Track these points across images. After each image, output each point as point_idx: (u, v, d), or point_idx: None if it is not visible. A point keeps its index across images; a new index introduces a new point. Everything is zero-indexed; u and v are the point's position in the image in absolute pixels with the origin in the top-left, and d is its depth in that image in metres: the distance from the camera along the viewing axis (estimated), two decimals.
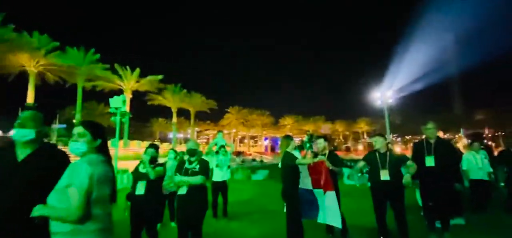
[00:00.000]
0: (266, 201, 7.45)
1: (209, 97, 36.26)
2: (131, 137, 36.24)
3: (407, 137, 61.95)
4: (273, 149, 62.37)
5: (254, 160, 29.07)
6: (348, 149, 66.86)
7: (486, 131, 58.54)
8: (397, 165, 3.79)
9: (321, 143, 4.44)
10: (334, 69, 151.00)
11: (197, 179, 2.89)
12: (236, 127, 50.87)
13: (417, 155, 4.00)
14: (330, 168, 3.85)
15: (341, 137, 70.99)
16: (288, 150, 3.81)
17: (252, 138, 68.21)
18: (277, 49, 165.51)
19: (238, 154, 38.49)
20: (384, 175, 3.72)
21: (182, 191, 2.93)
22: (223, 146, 5.33)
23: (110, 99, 9.17)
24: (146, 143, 38.61)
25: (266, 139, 65.08)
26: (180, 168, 3.06)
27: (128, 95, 25.89)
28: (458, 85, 72.48)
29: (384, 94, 34.83)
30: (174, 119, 33.46)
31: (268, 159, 36.84)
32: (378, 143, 3.96)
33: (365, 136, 69.85)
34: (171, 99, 31.88)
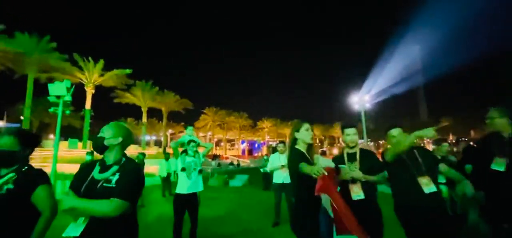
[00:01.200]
0: (248, 215, 5.97)
1: (184, 96, 33.90)
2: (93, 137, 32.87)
3: (380, 142, 63.99)
4: (250, 152, 60.91)
5: (231, 163, 27.42)
6: (323, 153, 67.76)
7: (450, 137, 62.30)
8: (434, 168, 2.41)
9: (350, 134, 2.60)
10: (313, 74, 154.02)
11: (105, 207, 1.32)
12: (212, 129, 48.69)
13: (479, 156, 2.73)
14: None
15: (317, 141, 71.71)
16: (297, 139, 2.28)
17: (229, 141, 66.31)
18: (257, 52, 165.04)
19: (214, 157, 36.55)
20: (428, 186, 2.25)
21: (74, 231, 1.31)
22: (193, 141, 3.73)
23: (49, 84, 7.14)
24: None
25: (243, 142, 63.57)
26: (83, 178, 1.47)
27: (90, 91, 23.02)
28: (425, 93, 76.80)
29: (361, 99, 35.34)
30: (144, 119, 30.67)
31: (245, 162, 35.37)
32: (401, 136, 2.43)
33: (340, 141, 71.35)
34: (141, 97, 29.15)
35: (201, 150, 3.92)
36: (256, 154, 60.08)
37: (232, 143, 66.82)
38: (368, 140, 37.44)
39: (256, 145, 67.27)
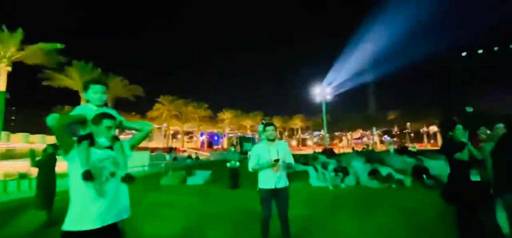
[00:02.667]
0: (216, 232, 4.19)
1: (133, 82, 29.72)
2: (15, 128, 26.97)
3: (336, 133, 67.08)
4: (210, 145, 58.22)
5: (189, 157, 24.93)
6: None
7: (395, 128, 68.44)
8: None
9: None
10: (274, 67, 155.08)
11: None
12: (168, 120, 44.69)
13: None
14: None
15: (277, 133, 72.24)
16: None
17: (187, 133, 62.54)
18: (217, 41, 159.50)
19: (170, 150, 33.28)
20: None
21: None
22: (106, 116, 1.74)
23: None
24: (39, 137, 29.48)
25: (202, 134, 60.49)
26: None
27: (4, 68, 18.14)
28: (374, 88, 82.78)
29: (323, 91, 35.63)
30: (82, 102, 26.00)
31: (205, 155, 32.98)
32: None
33: (299, 132, 73.13)
34: (78, 80, 24.51)
35: (126, 136, 1.99)
36: (216, 147, 57.67)
37: (190, 135, 63.14)
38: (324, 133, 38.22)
39: (216, 137, 64.76)
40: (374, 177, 7.95)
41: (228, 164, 8.58)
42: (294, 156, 3.84)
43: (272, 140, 3.39)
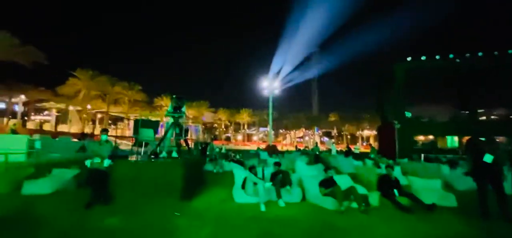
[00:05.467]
0: None
1: (26, 43, 22.05)
2: None
3: (281, 130, 67.07)
4: None
5: None
6: (228, 139, 65.76)
7: (334, 130, 72.00)
8: None
9: None
10: (220, 56, 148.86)
11: None
12: (88, 101, 36.61)
13: None
14: None
15: (223, 126, 68.83)
16: None
17: (117, 119, 53.87)
18: (162, 22, 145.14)
19: (83, 136, 26.63)
20: None
21: None
22: None
23: None
24: None
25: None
26: None
27: None
28: (318, 89, 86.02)
29: (271, 84, 33.49)
30: None
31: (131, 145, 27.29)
32: None
33: (245, 127, 70.86)
34: None
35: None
36: (157, 136, 50.68)
37: (120, 121, 54.51)
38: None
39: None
40: (328, 190, 5.21)
41: (87, 162, 4.79)
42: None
43: None
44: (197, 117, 62.03)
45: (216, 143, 28.97)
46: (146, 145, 6.77)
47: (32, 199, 5.04)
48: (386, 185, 5.51)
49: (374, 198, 5.24)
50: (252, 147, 39.13)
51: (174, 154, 6.18)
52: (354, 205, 4.99)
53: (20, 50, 21.94)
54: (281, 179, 5.46)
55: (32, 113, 45.93)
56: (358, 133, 66.52)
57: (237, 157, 13.55)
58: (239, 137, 69.93)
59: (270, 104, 32.85)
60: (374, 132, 63.70)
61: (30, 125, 33.00)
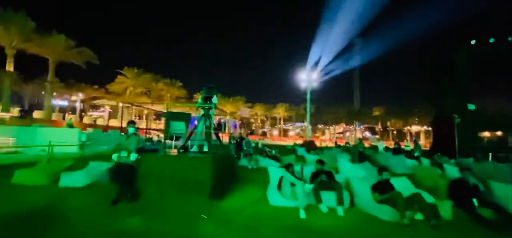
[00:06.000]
0: None
1: (81, 45, 24.22)
2: None
3: (319, 126, 64.62)
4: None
5: (149, 139, 20.57)
6: (264, 134, 65.47)
7: (379, 125, 66.77)
8: None
9: None
10: (258, 51, 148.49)
11: None
12: (134, 97, 39.34)
13: None
14: None
15: (259, 121, 68.83)
16: None
17: (161, 115, 57.23)
18: (196, 19, 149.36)
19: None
20: None
21: None
22: None
23: None
24: None
25: None
26: None
27: None
28: (359, 80, 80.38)
29: (309, 76, 31.96)
30: (10, 68, 20.60)
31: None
32: None
33: (281, 122, 69.80)
34: (3, 34, 19.10)
35: None
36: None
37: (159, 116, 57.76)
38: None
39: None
40: (384, 196, 4.23)
41: (114, 156, 4.56)
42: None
43: None
44: (234, 112, 62.96)
45: (252, 138, 28.77)
46: (178, 138, 6.46)
47: (66, 191, 5.02)
48: (462, 192, 4.31)
49: (446, 209, 4.11)
50: (288, 142, 38.11)
51: (205, 148, 5.76)
52: (419, 216, 3.96)
53: (76, 51, 24.20)
54: (323, 180, 4.63)
55: (90, 110, 51.16)
56: (406, 128, 60.70)
57: (273, 152, 12.86)
58: (275, 132, 69.24)
59: (308, 96, 31.41)
60: (425, 128, 57.55)
61: (85, 120, 36.60)
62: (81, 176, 5.61)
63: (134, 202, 4.33)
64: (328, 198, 4.42)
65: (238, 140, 13.71)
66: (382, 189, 4.36)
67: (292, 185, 4.44)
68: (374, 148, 18.26)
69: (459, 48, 19.03)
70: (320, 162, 5.16)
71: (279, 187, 4.78)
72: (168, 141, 6.52)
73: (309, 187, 4.38)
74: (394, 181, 4.63)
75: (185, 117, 6.51)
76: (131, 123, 4.96)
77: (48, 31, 22.25)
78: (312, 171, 5.21)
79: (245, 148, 12.16)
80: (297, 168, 5.35)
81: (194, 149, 6.25)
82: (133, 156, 4.53)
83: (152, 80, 38.50)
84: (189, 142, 5.88)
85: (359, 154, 11.74)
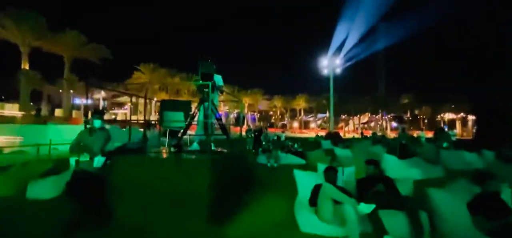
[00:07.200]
0: None
1: (93, 41, 23.67)
2: None
3: (343, 116, 61.54)
4: None
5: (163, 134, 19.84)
6: (284, 126, 63.49)
7: (408, 114, 62.16)
8: None
9: None
10: (276, 43, 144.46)
11: None
12: (151, 93, 39.15)
13: None
14: None
15: (278, 113, 66.95)
16: None
17: None
18: (212, 8, 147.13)
19: (148, 125, 28.07)
20: None
21: None
22: None
23: None
24: None
25: None
26: None
27: None
28: (385, 67, 75.33)
29: (331, 62, 29.58)
30: (26, 66, 20.54)
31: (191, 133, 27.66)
32: None
33: (301, 113, 67.24)
34: (15, 32, 18.93)
35: None
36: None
37: None
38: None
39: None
40: (492, 222, 2.46)
41: (71, 160, 3.19)
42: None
43: None
44: (253, 105, 61.56)
45: (271, 130, 27.12)
46: (175, 134, 5.03)
47: (32, 206, 3.81)
48: None
49: None
50: (310, 134, 36.02)
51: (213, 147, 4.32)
52: None
53: (90, 47, 23.84)
54: (381, 192, 2.95)
55: (113, 108, 52.20)
56: (439, 116, 55.88)
57: (295, 146, 11.21)
58: (295, 124, 67.01)
59: (331, 84, 29.12)
60: (461, 114, 52.46)
61: (106, 117, 37.03)
62: (52, 184, 4.35)
63: (100, 229, 2.94)
64: (393, 222, 2.72)
65: (256, 133, 12.33)
66: (489, 209, 2.59)
67: (336, 202, 2.80)
68: (413, 140, 15.88)
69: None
70: (373, 162, 3.45)
71: (312, 201, 3.17)
72: (162, 138, 5.12)
73: (366, 207, 2.69)
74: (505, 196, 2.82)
75: (184, 107, 5.04)
76: (98, 113, 3.56)
77: (61, 29, 21.98)
78: (358, 177, 3.55)
79: (263, 143, 10.82)
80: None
81: (195, 146, 4.80)
82: (99, 161, 3.13)
83: (168, 74, 38.00)
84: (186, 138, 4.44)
85: (400, 147, 9.63)
